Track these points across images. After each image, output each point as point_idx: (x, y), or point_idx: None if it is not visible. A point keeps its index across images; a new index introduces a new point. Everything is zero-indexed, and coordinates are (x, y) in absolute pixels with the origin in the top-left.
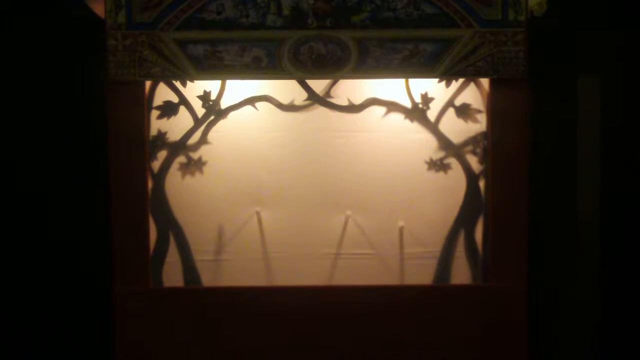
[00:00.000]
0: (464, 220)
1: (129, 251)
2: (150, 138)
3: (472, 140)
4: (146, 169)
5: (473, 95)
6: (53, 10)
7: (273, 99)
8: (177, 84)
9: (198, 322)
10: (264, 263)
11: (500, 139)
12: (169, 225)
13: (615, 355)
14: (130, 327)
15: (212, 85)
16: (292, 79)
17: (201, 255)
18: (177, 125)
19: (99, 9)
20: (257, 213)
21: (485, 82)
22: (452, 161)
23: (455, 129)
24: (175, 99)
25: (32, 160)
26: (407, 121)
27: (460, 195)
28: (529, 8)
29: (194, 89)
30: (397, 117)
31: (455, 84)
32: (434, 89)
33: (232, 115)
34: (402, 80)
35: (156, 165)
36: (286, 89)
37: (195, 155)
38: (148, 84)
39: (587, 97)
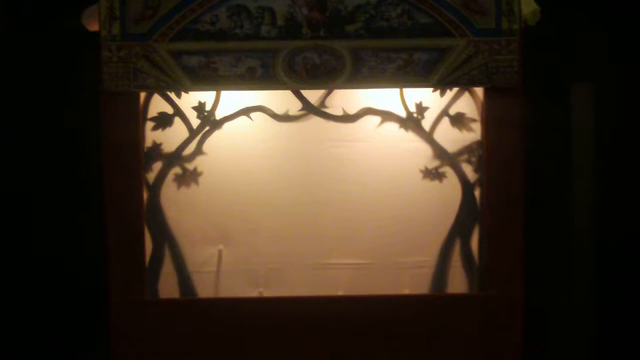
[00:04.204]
0: (460, 228)
1: (124, 263)
2: (145, 149)
3: (467, 149)
4: (141, 180)
5: (467, 104)
6: (50, 24)
7: (268, 109)
8: (172, 95)
9: (194, 333)
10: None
11: (495, 147)
12: (165, 236)
13: (611, 358)
14: (126, 338)
15: (206, 96)
16: (286, 90)
17: (196, 267)
18: (172, 137)
19: (93, 27)
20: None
21: (479, 91)
22: (447, 170)
23: (450, 137)
24: (170, 110)
25: (27, 172)
26: (402, 130)
27: (456, 203)
28: (523, 17)
29: (188, 100)
30: (392, 127)
31: (450, 93)
32: (429, 98)
33: (227, 125)
34: (396, 90)
35: (151, 176)
36: (281, 99)
37: (190, 166)
38: (142, 95)
39: (581, 104)
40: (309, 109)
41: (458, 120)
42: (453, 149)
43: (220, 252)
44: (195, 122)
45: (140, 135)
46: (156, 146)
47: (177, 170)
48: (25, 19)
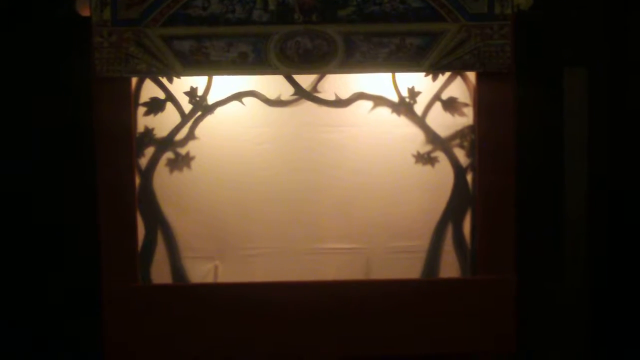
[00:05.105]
0: (452, 213)
1: (117, 248)
2: (137, 135)
3: (459, 134)
4: (133, 165)
5: (460, 88)
6: (40, 11)
7: (260, 94)
8: (164, 80)
9: (187, 319)
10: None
11: (487, 132)
12: (157, 221)
13: (602, 346)
14: (119, 325)
15: (198, 81)
16: (278, 74)
17: (189, 252)
18: (164, 122)
19: (86, 12)
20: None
21: (472, 75)
22: (440, 155)
23: (443, 122)
24: (161, 95)
25: (18, 158)
26: (394, 115)
27: (448, 188)
28: (515, 1)
29: (180, 85)
30: (384, 112)
31: (442, 78)
32: (421, 83)
33: (219, 110)
34: (388, 75)
35: (143, 161)
36: (273, 84)
37: (182, 151)
38: (134, 80)
39: (573, 89)
40: (301, 94)
41: (450, 105)
42: (445, 133)
43: (216, 267)
44: (187, 107)
45: (132, 121)
46: (148, 131)
47: (169, 155)
48: (18, 8)
